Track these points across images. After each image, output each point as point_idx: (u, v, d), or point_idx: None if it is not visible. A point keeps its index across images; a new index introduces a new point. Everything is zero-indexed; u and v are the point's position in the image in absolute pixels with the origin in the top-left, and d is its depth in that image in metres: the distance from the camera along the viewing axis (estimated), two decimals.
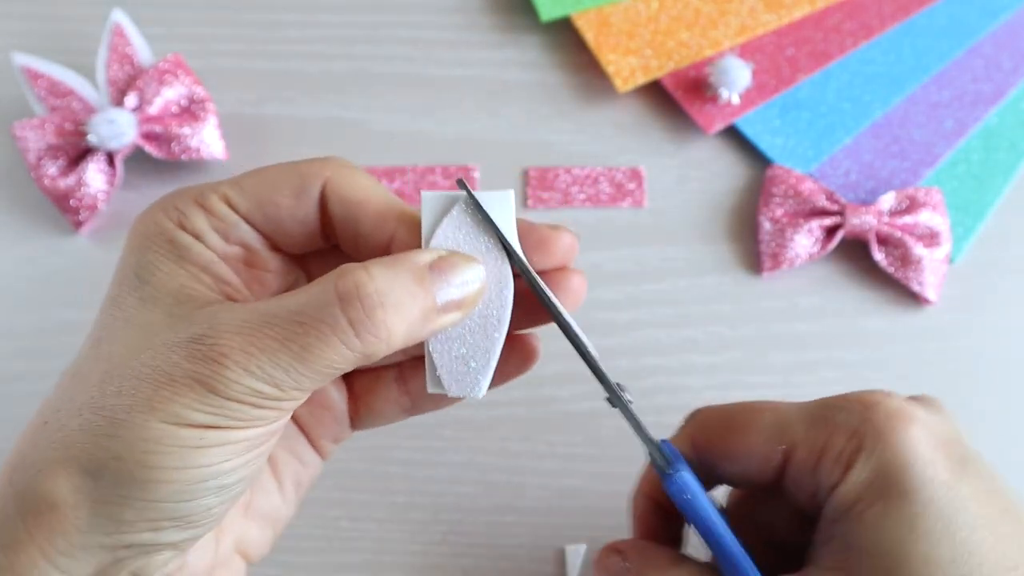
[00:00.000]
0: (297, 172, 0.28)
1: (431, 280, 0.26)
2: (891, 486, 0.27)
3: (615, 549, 0.32)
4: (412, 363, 0.32)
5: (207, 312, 0.26)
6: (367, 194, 0.28)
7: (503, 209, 0.27)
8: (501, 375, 0.29)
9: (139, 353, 0.25)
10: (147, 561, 0.26)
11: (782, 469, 0.30)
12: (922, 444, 0.28)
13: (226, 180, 0.28)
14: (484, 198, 0.27)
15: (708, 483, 0.32)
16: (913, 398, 0.31)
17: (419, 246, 0.27)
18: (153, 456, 0.24)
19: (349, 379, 0.33)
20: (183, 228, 0.27)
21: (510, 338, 0.28)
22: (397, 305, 0.25)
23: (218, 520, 0.27)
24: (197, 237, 0.27)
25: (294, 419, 0.32)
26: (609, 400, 0.29)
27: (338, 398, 0.32)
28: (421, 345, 0.28)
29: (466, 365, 0.27)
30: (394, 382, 0.32)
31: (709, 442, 0.32)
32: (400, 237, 0.28)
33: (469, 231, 0.27)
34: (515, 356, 0.29)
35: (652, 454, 0.30)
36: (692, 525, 0.29)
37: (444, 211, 0.27)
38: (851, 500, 0.28)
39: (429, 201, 0.27)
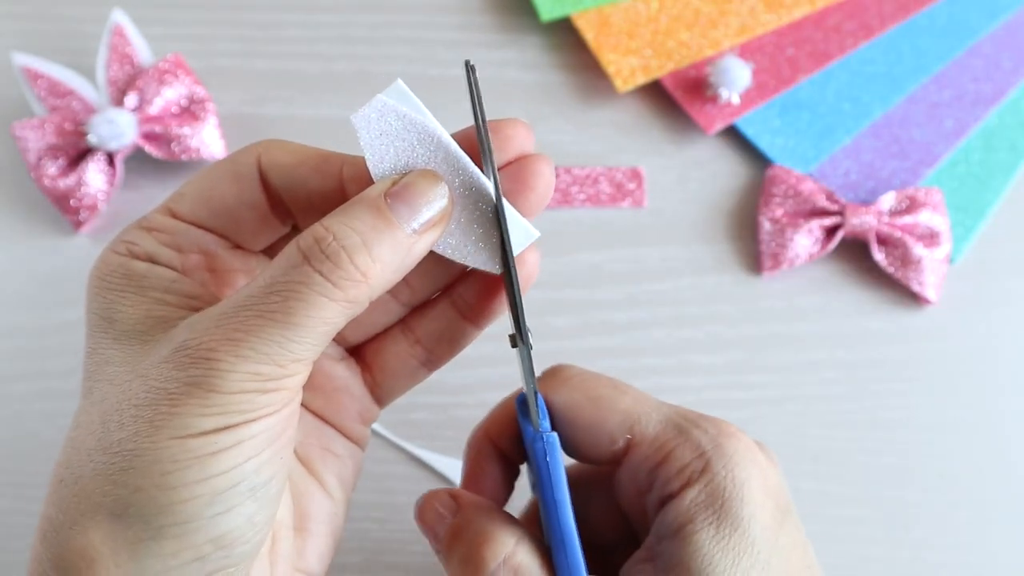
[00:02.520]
0: (230, 160, 0.28)
1: (393, 210, 0.25)
2: (726, 515, 0.27)
3: (452, 495, 0.31)
4: (414, 313, 0.31)
5: (182, 325, 0.25)
6: (302, 154, 0.27)
7: (409, 99, 0.27)
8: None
9: (129, 384, 0.24)
10: None
11: (619, 459, 0.29)
12: (758, 486, 0.28)
13: (168, 196, 0.28)
14: (392, 94, 0.27)
15: None
16: (755, 442, 0.31)
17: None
18: (171, 476, 0.23)
19: (358, 353, 0.31)
20: (135, 257, 0.27)
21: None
22: (363, 244, 0.24)
23: (263, 533, 0.25)
24: (151, 260, 0.27)
25: (314, 413, 0.31)
26: (512, 338, 0.28)
27: (349, 375, 0.31)
28: (419, 293, 0.28)
29: (489, 241, 0.27)
30: (401, 335, 0.31)
31: (564, 402, 0.30)
32: (348, 177, 0.27)
33: (401, 135, 0.27)
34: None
35: (529, 404, 0.29)
36: (539, 487, 0.29)
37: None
38: (684, 519, 0.27)
39: (361, 122, 0.27)
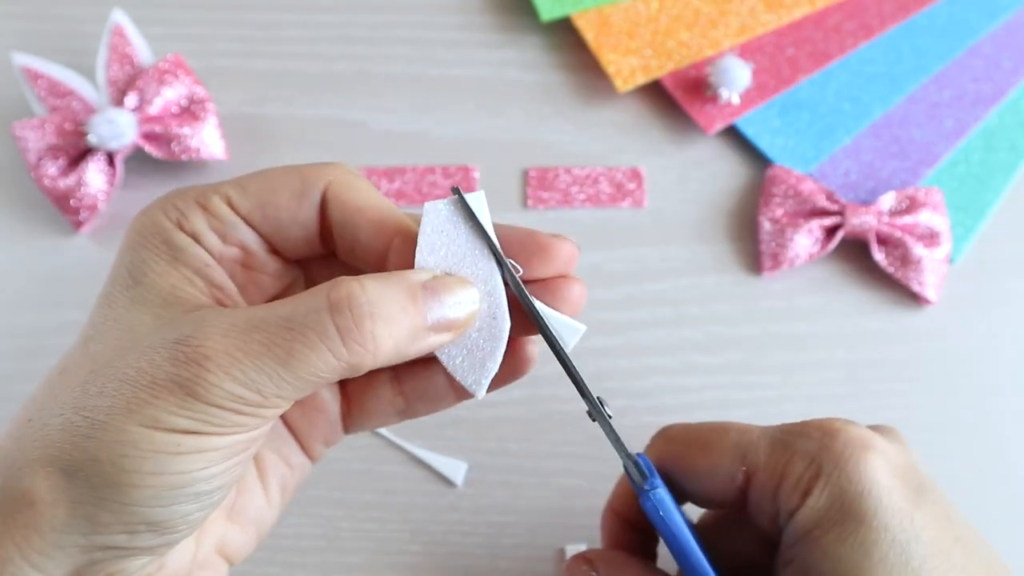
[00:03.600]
0: (300, 175, 0.28)
1: (424, 298, 0.26)
2: (848, 512, 0.28)
3: (585, 558, 0.32)
4: (408, 365, 0.32)
5: (195, 316, 0.25)
6: (367, 202, 0.28)
7: (482, 211, 0.28)
8: (499, 379, 0.29)
9: (124, 354, 0.25)
10: (124, 564, 0.25)
11: (744, 491, 0.31)
12: (879, 471, 0.28)
13: (229, 180, 0.28)
14: (472, 199, 0.27)
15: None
16: (873, 427, 0.31)
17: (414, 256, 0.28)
18: (128, 460, 0.24)
19: (343, 383, 0.32)
20: (181, 228, 0.27)
21: (508, 342, 0.28)
22: (387, 318, 0.25)
23: (196, 526, 0.26)
24: (195, 238, 0.27)
25: (284, 421, 0.32)
26: (589, 413, 0.29)
27: (331, 399, 0.32)
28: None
29: (469, 366, 0.28)
30: (388, 383, 0.32)
31: (676, 459, 0.32)
32: (397, 248, 0.28)
33: (458, 239, 0.27)
34: (511, 360, 0.29)
35: (628, 468, 0.30)
36: (664, 541, 0.30)
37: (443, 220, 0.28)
38: (809, 525, 0.28)
39: (431, 212, 0.27)
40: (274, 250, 0.29)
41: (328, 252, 0.30)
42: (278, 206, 0.28)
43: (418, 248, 0.27)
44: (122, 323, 0.26)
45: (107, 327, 0.26)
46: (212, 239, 0.28)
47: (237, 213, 0.28)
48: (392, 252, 0.28)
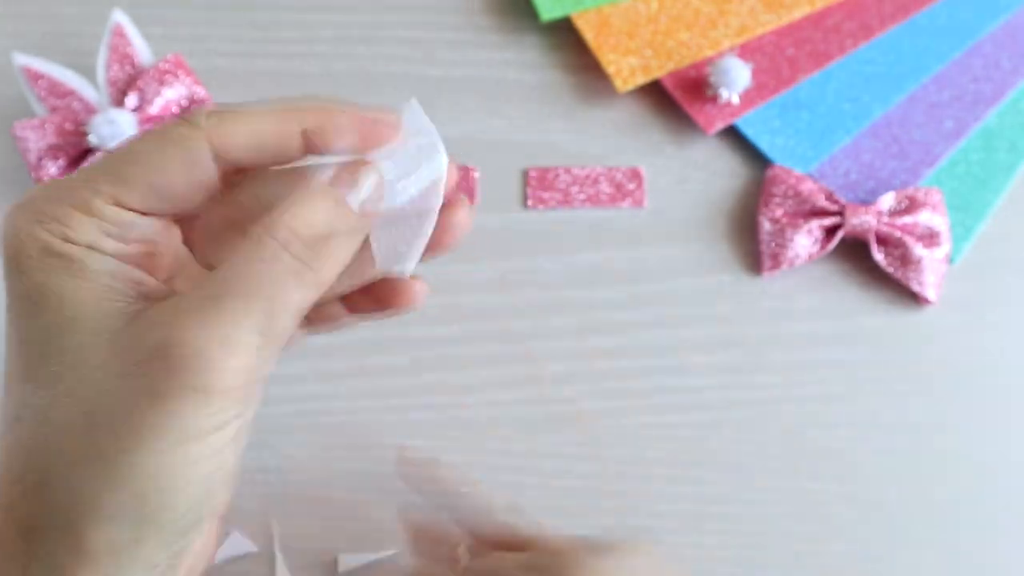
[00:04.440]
0: (176, 141, 0.26)
1: (344, 195, 0.27)
2: None
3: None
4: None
5: (149, 318, 0.24)
6: (254, 124, 0.27)
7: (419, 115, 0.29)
8: (379, 306, 0.31)
9: (105, 383, 0.24)
10: (178, 561, 0.26)
11: None
12: None
13: (99, 171, 0.26)
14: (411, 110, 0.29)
15: None
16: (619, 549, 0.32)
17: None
18: (175, 480, 0.23)
19: None
20: (70, 241, 0.25)
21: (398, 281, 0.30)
22: (331, 229, 0.26)
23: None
24: (93, 248, 0.25)
25: None
26: None
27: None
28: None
29: (396, 248, 0.29)
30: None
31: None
32: (315, 130, 0.27)
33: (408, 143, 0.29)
34: (399, 295, 0.31)
35: None
36: None
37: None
38: None
39: (410, 112, 0.28)
40: (177, 219, 0.28)
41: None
42: (172, 184, 0.26)
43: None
44: (72, 352, 0.24)
45: (59, 361, 0.24)
46: (112, 245, 0.25)
47: (133, 210, 0.26)
48: (311, 136, 0.27)
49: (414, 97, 0.29)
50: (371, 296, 0.31)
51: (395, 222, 0.29)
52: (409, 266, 0.29)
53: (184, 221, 0.29)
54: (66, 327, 0.24)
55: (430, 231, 0.29)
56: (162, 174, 0.26)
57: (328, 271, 0.26)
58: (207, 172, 0.26)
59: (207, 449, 0.24)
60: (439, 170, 0.29)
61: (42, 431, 0.24)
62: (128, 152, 0.26)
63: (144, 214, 0.26)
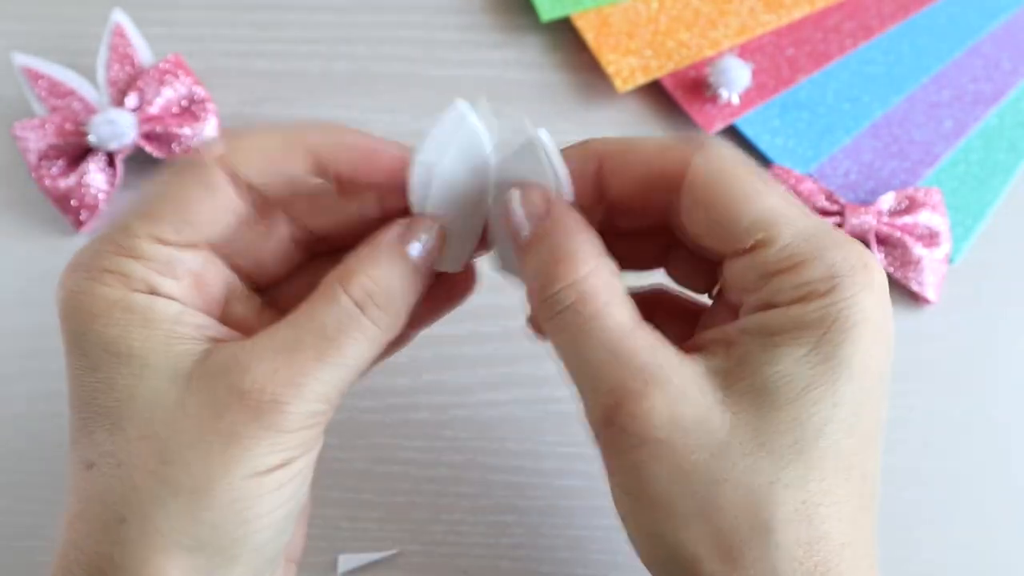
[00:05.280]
0: (195, 172, 0.27)
1: (410, 253, 0.28)
2: (825, 343, 0.24)
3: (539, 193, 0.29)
4: None
5: (225, 363, 0.26)
6: (265, 146, 0.28)
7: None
8: (442, 301, 0.32)
9: (180, 424, 0.25)
10: None
11: (735, 255, 0.27)
12: (869, 339, 0.25)
13: (133, 217, 0.27)
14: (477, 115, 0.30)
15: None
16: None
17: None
18: (247, 511, 0.25)
19: None
20: (133, 290, 0.26)
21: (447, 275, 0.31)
22: (401, 292, 0.28)
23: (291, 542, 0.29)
24: (152, 292, 0.26)
25: None
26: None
27: None
28: None
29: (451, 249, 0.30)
30: None
31: (700, 171, 0.27)
32: (325, 150, 0.28)
33: (459, 146, 0.30)
34: (455, 287, 0.32)
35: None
36: None
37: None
38: (782, 328, 0.25)
39: (453, 114, 0.30)
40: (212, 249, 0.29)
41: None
42: (200, 212, 0.27)
43: (419, 146, 0.29)
44: (144, 398, 0.25)
45: (129, 408, 0.25)
46: (169, 285, 0.27)
47: (171, 245, 0.27)
48: (322, 157, 0.28)
49: (484, 97, 0.30)
50: (426, 304, 0.32)
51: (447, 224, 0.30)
52: (459, 265, 0.31)
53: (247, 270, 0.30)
54: (138, 375, 0.26)
55: (479, 231, 0.30)
56: (186, 203, 0.27)
57: (395, 328, 0.28)
58: (228, 196, 0.28)
59: (275, 483, 0.25)
60: (485, 173, 0.30)
61: (117, 474, 0.25)
62: (150, 193, 0.27)
63: (183, 247, 0.27)
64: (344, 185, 0.29)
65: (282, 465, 0.26)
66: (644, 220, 0.30)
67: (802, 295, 0.25)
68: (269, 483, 0.25)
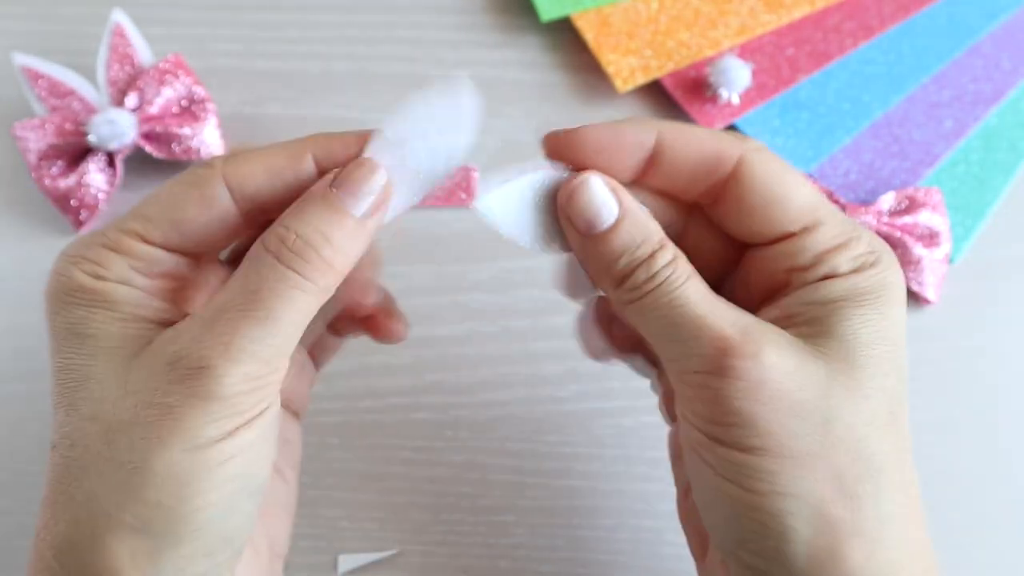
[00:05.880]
0: (195, 183, 0.28)
1: (340, 200, 0.27)
2: (883, 304, 0.28)
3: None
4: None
5: (162, 337, 0.26)
6: (267, 161, 0.28)
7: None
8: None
9: (123, 401, 0.25)
10: None
11: (781, 239, 0.29)
12: (895, 327, 0.29)
13: (130, 214, 0.28)
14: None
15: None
16: None
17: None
18: (188, 487, 0.24)
19: None
20: (103, 279, 0.27)
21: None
22: (324, 236, 0.26)
23: (254, 523, 0.27)
24: (121, 283, 0.27)
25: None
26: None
27: (303, 356, 0.34)
28: None
29: (415, 174, 0.29)
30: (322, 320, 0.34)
31: (756, 164, 0.29)
32: (324, 159, 0.28)
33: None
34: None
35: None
36: None
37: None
38: (847, 295, 0.28)
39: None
40: (198, 258, 0.29)
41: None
42: (192, 221, 0.27)
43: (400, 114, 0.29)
44: (96, 378, 0.26)
45: (84, 389, 0.26)
46: (139, 280, 0.27)
47: (154, 245, 0.27)
48: (322, 167, 0.28)
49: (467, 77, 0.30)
50: (357, 322, 0.33)
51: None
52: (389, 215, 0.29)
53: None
54: (92, 355, 0.26)
55: (422, 195, 0.29)
56: (181, 211, 0.27)
57: (324, 278, 0.26)
58: (224, 209, 0.28)
59: (217, 457, 0.25)
60: (455, 149, 0.30)
61: (69, 454, 0.26)
62: (151, 196, 0.28)
63: (167, 249, 0.28)
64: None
65: (222, 438, 0.25)
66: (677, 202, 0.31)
67: (857, 267, 0.28)
68: (210, 457, 0.25)
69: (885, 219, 0.46)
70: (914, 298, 0.47)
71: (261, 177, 0.28)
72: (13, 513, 0.42)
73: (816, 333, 0.27)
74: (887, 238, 0.46)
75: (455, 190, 0.44)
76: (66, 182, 0.46)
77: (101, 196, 0.47)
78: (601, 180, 0.29)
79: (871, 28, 0.52)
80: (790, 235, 0.28)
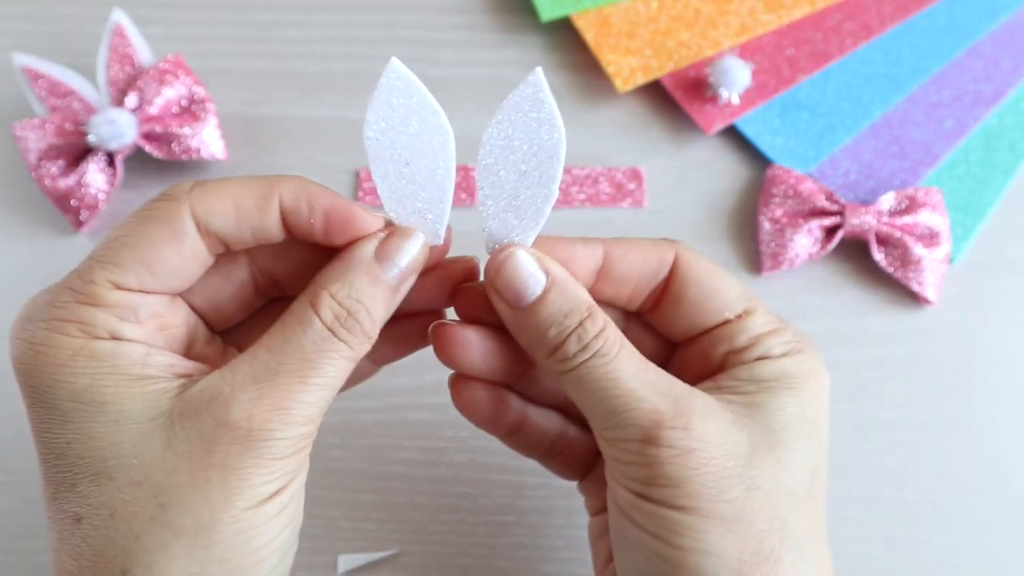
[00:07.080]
0: (162, 218, 0.27)
1: (382, 270, 0.28)
2: (805, 390, 0.30)
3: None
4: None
5: (201, 399, 0.26)
6: (233, 194, 0.27)
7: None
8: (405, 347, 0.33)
9: (172, 464, 0.25)
10: None
11: (716, 327, 0.31)
12: (820, 408, 0.31)
13: (92, 262, 0.27)
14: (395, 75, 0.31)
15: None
16: None
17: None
18: (253, 541, 0.25)
19: None
20: (95, 337, 0.26)
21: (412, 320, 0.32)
22: (369, 311, 0.28)
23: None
24: (115, 338, 0.26)
25: None
26: None
27: None
28: None
29: (424, 217, 0.30)
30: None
31: (691, 263, 0.32)
32: (289, 209, 0.28)
33: (401, 107, 0.31)
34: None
35: None
36: None
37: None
38: (778, 376, 0.30)
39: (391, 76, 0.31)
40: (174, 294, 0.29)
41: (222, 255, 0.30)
42: (164, 260, 0.27)
43: (368, 119, 0.30)
44: (130, 443, 0.25)
45: (117, 456, 0.25)
46: (131, 330, 0.26)
47: (130, 291, 0.26)
48: (286, 214, 0.28)
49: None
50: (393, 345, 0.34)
51: (411, 192, 0.30)
52: (440, 236, 0.30)
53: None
54: (116, 422, 0.25)
55: (451, 193, 0.30)
56: (152, 250, 0.27)
57: (363, 347, 0.28)
58: (195, 244, 0.27)
59: (275, 509, 0.26)
60: (445, 129, 0.31)
61: (112, 525, 0.25)
62: (115, 237, 0.27)
63: (144, 292, 0.27)
64: (307, 236, 0.29)
65: (280, 491, 0.26)
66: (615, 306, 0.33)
67: (787, 351, 0.31)
68: (270, 510, 0.26)
69: (885, 219, 0.46)
70: (914, 298, 0.47)
71: (229, 215, 0.27)
72: (13, 513, 0.42)
73: (747, 404, 0.29)
74: (887, 238, 0.46)
75: (455, 190, 0.44)
76: (66, 182, 0.46)
77: (101, 196, 0.47)
78: (527, 252, 0.29)
79: (871, 28, 0.52)
80: (726, 321, 0.31)
